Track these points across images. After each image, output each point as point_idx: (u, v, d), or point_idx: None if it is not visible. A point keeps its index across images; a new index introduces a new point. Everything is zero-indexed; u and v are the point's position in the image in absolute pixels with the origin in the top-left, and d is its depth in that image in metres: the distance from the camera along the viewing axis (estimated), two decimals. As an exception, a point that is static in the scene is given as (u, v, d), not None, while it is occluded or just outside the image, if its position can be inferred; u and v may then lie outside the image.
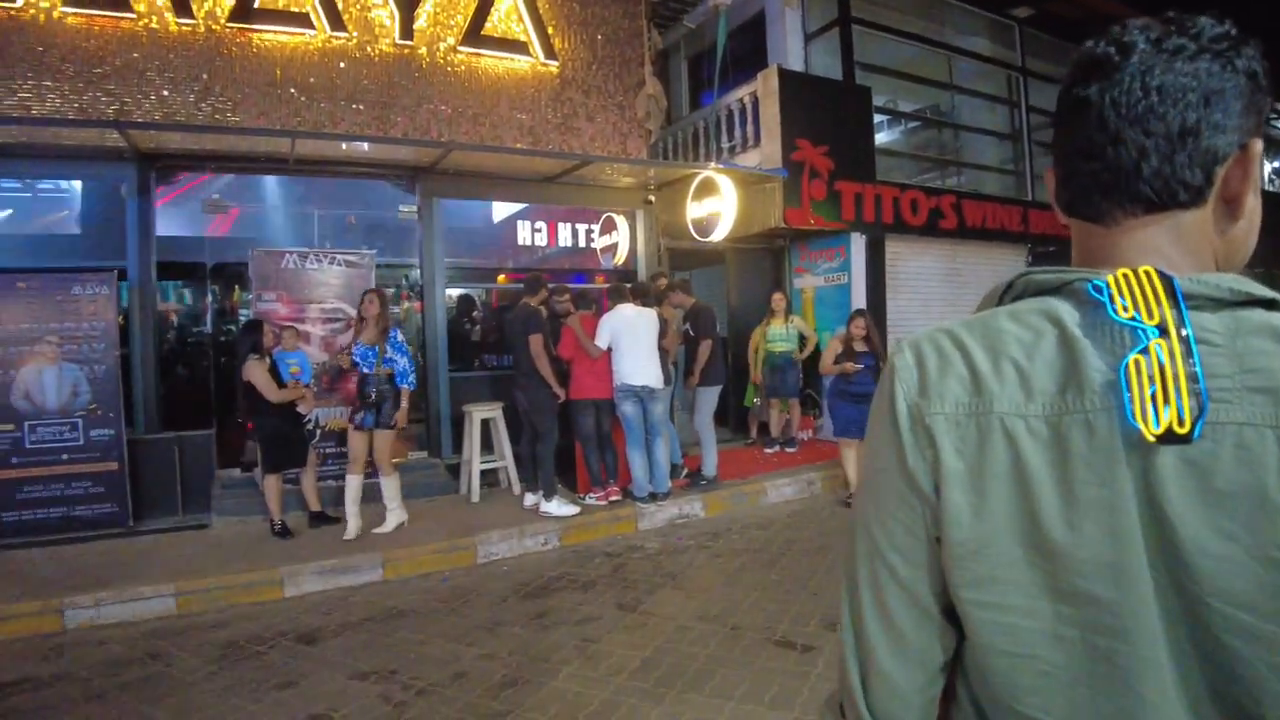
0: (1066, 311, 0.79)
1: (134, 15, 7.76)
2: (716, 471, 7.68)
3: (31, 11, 7.48)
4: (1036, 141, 11.79)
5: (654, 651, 4.39)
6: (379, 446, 6.47)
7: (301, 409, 6.66)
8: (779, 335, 8.85)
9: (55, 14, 7.55)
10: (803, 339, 8.99)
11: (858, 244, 9.44)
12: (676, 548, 6.39)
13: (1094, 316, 0.77)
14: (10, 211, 8.02)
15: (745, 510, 7.43)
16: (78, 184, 7.97)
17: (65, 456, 6.70)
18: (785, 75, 8.79)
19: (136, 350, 7.39)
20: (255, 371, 6.28)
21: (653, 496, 7.13)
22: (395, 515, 6.58)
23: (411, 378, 6.55)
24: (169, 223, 8.03)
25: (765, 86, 8.81)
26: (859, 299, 9.16)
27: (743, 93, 9.13)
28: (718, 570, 5.78)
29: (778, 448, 9.07)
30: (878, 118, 10.42)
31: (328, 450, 7.43)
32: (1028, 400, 0.78)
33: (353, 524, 6.36)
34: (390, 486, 6.58)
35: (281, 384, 6.43)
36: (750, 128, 9.07)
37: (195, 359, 8.63)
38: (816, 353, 9.12)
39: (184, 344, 8.76)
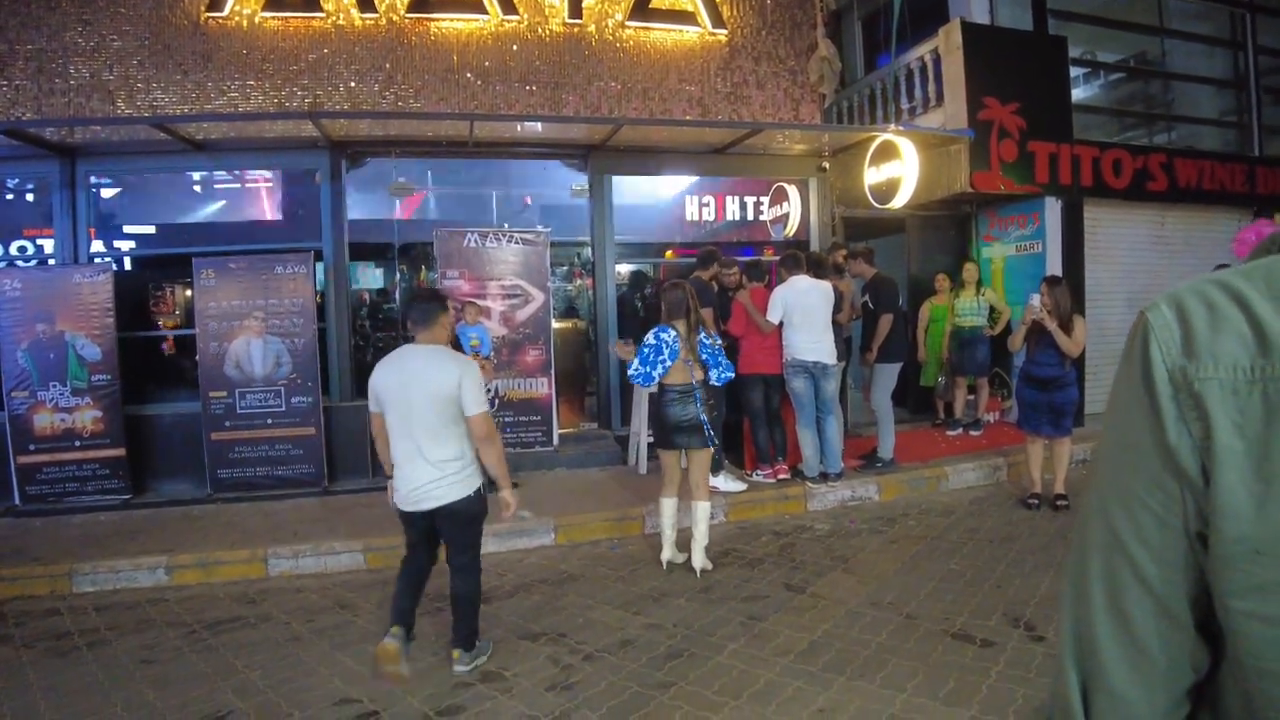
0: None
1: (323, 14, 8.30)
2: (893, 453, 7.28)
3: (236, 19, 8.14)
4: (1266, 88, 10.42)
5: (822, 635, 4.21)
6: (703, 464, 5.39)
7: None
8: (968, 308, 8.29)
9: (256, 19, 8.19)
10: (994, 312, 8.38)
11: (1053, 209, 8.68)
12: (848, 530, 6.12)
13: None
14: (224, 202, 8.74)
15: (923, 495, 7.01)
16: (278, 173, 8.57)
17: (270, 421, 7.31)
18: (969, 29, 8.16)
19: (331, 324, 7.94)
20: (438, 343, 6.54)
21: (824, 476, 6.85)
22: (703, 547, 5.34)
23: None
24: (360, 206, 8.51)
25: (947, 42, 8.23)
26: (1054, 269, 8.42)
27: (923, 50, 8.57)
28: (892, 556, 5.47)
29: (961, 430, 8.50)
30: (1074, 70, 9.50)
31: (505, 419, 7.67)
32: None
33: (668, 549, 5.44)
34: (706, 512, 5.36)
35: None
36: (932, 87, 8.50)
37: (385, 333, 9.13)
38: (1007, 328, 8.55)
39: (375, 319, 9.29)
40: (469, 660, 4.00)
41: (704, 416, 5.12)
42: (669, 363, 5.08)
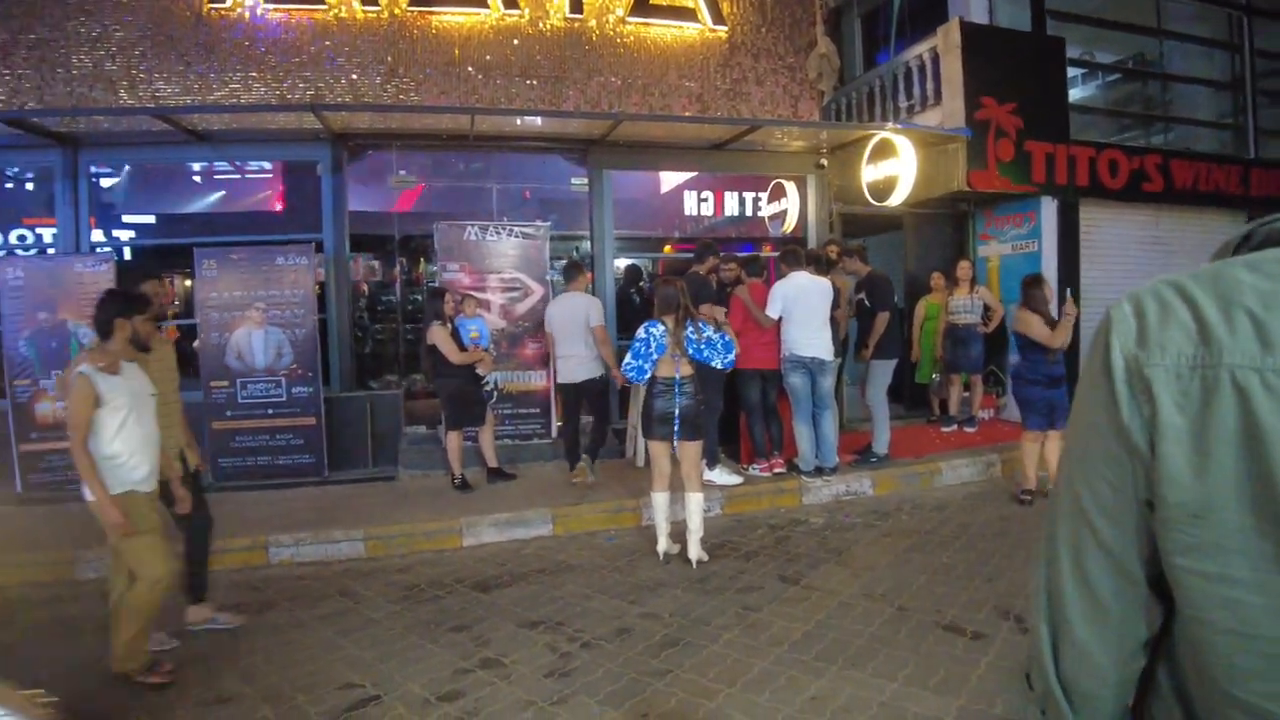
0: None
1: (325, 6, 8.33)
2: (888, 449, 7.34)
3: (238, 10, 8.17)
4: (1263, 91, 10.48)
5: (815, 626, 4.25)
6: (693, 456, 5.39)
7: (480, 371, 6.93)
8: (963, 306, 8.35)
9: (259, 10, 8.20)
10: (988, 310, 8.45)
11: (1049, 209, 8.74)
12: (842, 524, 6.17)
13: None
14: (225, 193, 8.77)
15: (917, 490, 7.07)
16: (280, 164, 8.62)
17: (270, 411, 7.36)
18: (968, 28, 8.21)
19: (332, 316, 7.98)
20: (438, 335, 6.62)
21: (819, 471, 6.89)
22: (698, 539, 5.38)
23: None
24: (360, 199, 8.55)
25: (946, 41, 8.28)
26: (1050, 268, 8.48)
27: (921, 49, 8.62)
28: (885, 549, 5.53)
29: (955, 426, 8.58)
30: (1072, 71, 9.57)
31: (504, 411, 7.73)
32: (1264, 352, 0.69)
33: (663, 541, 5.45)
34: (700, 504, 5.40)
35: (462, 348, 6.71)
36: (930, 86, 8.55)
37: (385, 324, 9.18)
38: (1002, 326, 8.61)
39: (374, 311, 9.33)
40: (590, 464, 6.88)
41: (682, 411, 5.20)
42: (655, 356, 5.17)
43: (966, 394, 8.75)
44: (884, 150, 8.30)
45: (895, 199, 8.30)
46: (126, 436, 3.75)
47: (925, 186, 8.38)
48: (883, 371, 7.36)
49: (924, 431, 8.65)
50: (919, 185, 8.22)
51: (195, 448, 4.66)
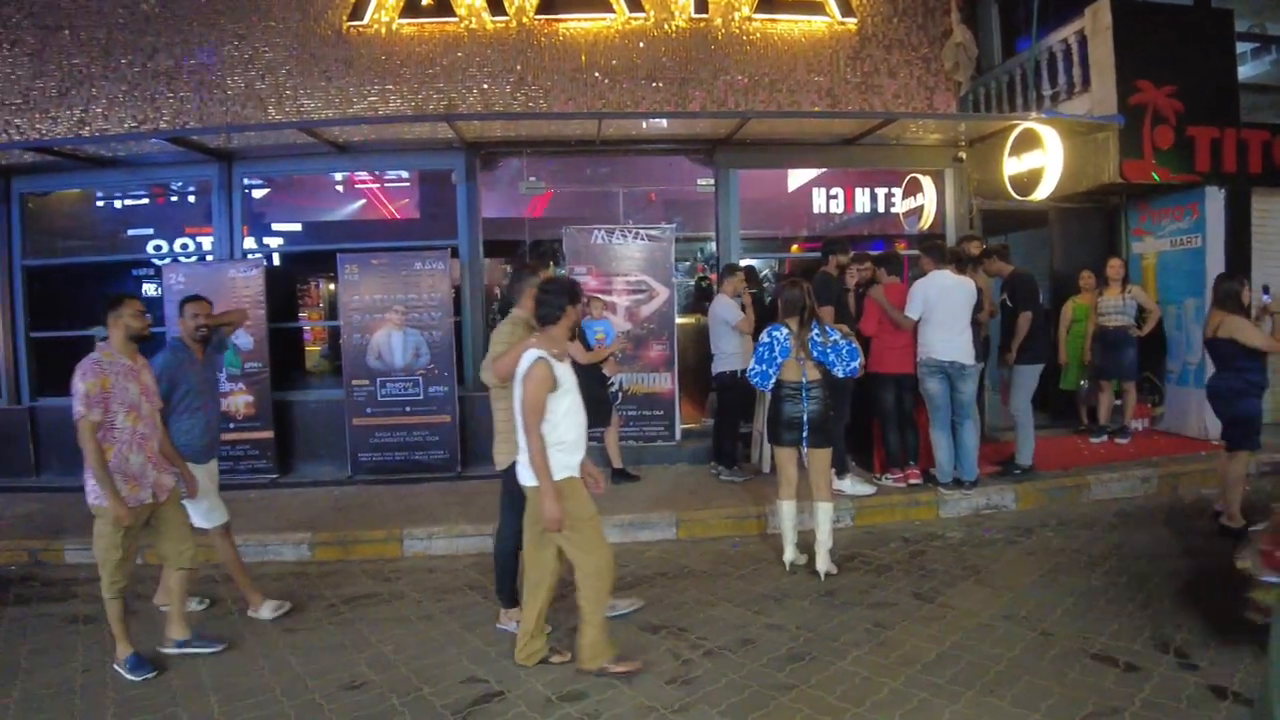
0: None
1: (456, 19, 8.60)
2: (1032, 460, 6.89)
3: (375, 26, 8.56)
4: None
5: (951, 647, 4.01)
6: (822, 464, 5.23)
7: (606, 371, 6.94)
8: (1114, 307, 7.78)
9: (394, 25, 8.59)
10: (1142, 312, 7.84)
11: (1214, 200, 8.01)
12: (982, 540, 5.82)
13: None
14: (364, 201, 9.19)
15: (1064, 506, 6.60)
16: (415, 173, 8.95)
17: (408, 409, 7.70)
18: (1120, 7, 7.63)
19: (467, 318, 8.26)
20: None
21: (957, 483, 6.55)
22: (827, 550, 5.17)
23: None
24: (492, 205, 8.79)
25: (1095, 23, 7.75)
26: (1216, 265, 7.76)
27: (1066, 32, 8.10)
28: (1029, 568, 5.16)
29: (1106, 437, 7.99)
30: (1241, 46, 8.78)
31: (629, 413, 7.78)
32: None
33: (789, 551, 5.34)
34: (829, 514, 5.20)
35: (589, 349, 6.74)
36: (1077, 71, 8.03)
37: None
38: (1158, 329, 7.97)
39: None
40: (728, 467, 7.19)
41: (810, 416, 5.01)
42: (779, 360, 5.03)
43: (1118, 402, 8.15)
44: (1027, 141, 7.84)
45: (1040, 193, 7.81)
46: (570, 423, 3.79)
47: (1073, 179, 7.85)
48: (1028, 377, 6.93)
49: (1071, 442, 8.09)
50: (1066, 178, 7.70)
51: None
